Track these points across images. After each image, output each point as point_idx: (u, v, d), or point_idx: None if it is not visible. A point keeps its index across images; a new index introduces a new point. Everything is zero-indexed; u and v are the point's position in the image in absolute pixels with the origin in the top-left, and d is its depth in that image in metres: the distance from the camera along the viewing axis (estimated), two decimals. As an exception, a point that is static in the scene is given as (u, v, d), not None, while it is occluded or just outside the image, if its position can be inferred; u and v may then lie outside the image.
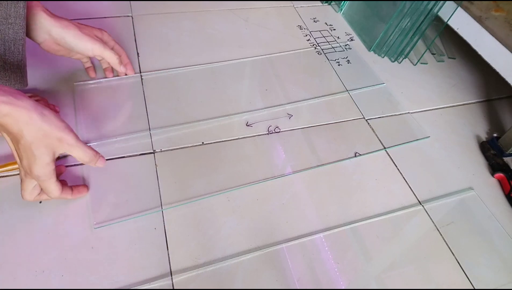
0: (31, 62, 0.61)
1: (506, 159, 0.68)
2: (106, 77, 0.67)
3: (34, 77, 0.64)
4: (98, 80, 0.67)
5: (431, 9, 0.74)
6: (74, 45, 0.56)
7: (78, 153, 0.45)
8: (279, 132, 0.64)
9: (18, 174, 0.53)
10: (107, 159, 0.56)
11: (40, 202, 0.51)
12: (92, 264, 0.47)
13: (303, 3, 0.96)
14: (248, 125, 0.65)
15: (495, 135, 0.71)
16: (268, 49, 0.81)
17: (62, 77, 0.66)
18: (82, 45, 0.57)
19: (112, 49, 0.64)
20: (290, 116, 0.66)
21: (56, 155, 0.44)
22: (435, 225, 0.58)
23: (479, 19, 0.67)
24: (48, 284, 0.45)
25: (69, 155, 0.46)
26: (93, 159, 0.48)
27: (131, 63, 0.69)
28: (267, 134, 0.64)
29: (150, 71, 0.71)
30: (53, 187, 0.46)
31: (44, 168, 0.43)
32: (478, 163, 0.68)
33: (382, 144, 0.67)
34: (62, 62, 0.68)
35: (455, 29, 0.73)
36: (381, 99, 0.75)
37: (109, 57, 0.61)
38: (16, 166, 0.53)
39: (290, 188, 0.58)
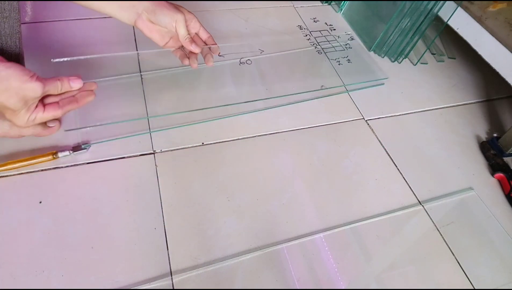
0: (30, 60, 0.61)
1: (506, 159, 0.68)
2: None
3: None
4: (97, 80, 0.67)
5: (431, 9, 0.74)
6: (161, 15, 0.57)
7: (49, 90, 0.48)
8: (250, 64, 0.72)
9: (19, 173, 0.53)
10: (107, 160, 0.57)
11: (40, 202, 0.51)
12: (92, 264, 0.47)
13: (303, 3, 0.96)
14: (220, 56, 0.72)
15: (495, 135, 0.71)
16: (268, 49, 0.81)
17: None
18: (169, 15, 0.57)
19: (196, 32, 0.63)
20: (261, 51, 0.74)
21: (31, 101, 0.46)
22: (435, 225, 0.58)
23: (479, 19, 0.67)
24: (48, 284, 0.45)
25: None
26: (62, 86, 0.50)
27: (211, 55, 0.65)
28: (239, 64, 0.72)
29: (150, 71, 0.71)
30: (46, 116, 0.49)
31: (24, 116, 0.47)
32: (478, 163, 0.68)
33: (381, 144, 0.67)
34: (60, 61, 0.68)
35: (455, 29, 0.73)
36: (381, 99, 0.75)
37: (180, 34, 0.59)
38: (16, 165, 0.53)
39: (290, 188, 0.58)
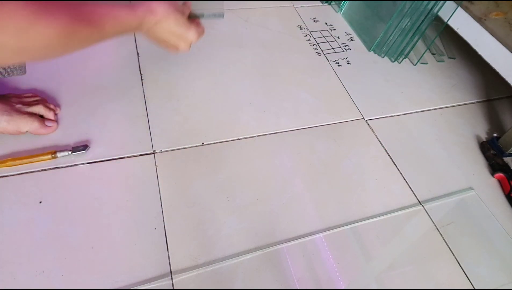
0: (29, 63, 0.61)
1: (506, 159, 0.68)
2: None
3: (33, 78, 0.64)
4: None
5: (431, 9, 0.74)
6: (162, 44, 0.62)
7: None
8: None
9: (19, 173, 0.53)
10: (107, 160, 0.57)
11: (40, 202, 0.51)
12: (92, 264, 0.47)
13: (303, 3, 0.96)
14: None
15: (495, 135, 0.71)
16: (268, 49, 0.81)
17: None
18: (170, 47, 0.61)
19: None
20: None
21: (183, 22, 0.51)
22: (435, 225, 0.58)
23: (479, 19, 0.67)
24: (48, 284, 0.45)
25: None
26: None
27: None
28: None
29: (150, 71, 0.71)
30: (194, 30, 0.53)
31: (189, 33, 0.52)
32: (478, 163, 0.68)
33: (381, 144, 0.67)
34: (60, 63, 0.68)
35: (455, 29, 0.73)
36: (381, 99, 0.75)
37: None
38: (16, 162, 0.54)
39: (290, 188, 0.58)
